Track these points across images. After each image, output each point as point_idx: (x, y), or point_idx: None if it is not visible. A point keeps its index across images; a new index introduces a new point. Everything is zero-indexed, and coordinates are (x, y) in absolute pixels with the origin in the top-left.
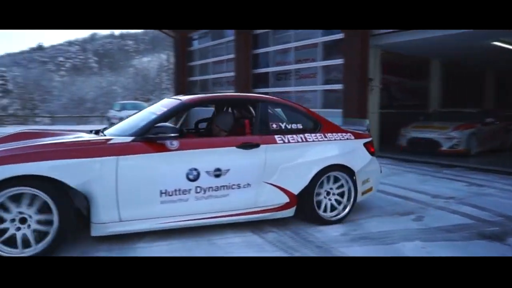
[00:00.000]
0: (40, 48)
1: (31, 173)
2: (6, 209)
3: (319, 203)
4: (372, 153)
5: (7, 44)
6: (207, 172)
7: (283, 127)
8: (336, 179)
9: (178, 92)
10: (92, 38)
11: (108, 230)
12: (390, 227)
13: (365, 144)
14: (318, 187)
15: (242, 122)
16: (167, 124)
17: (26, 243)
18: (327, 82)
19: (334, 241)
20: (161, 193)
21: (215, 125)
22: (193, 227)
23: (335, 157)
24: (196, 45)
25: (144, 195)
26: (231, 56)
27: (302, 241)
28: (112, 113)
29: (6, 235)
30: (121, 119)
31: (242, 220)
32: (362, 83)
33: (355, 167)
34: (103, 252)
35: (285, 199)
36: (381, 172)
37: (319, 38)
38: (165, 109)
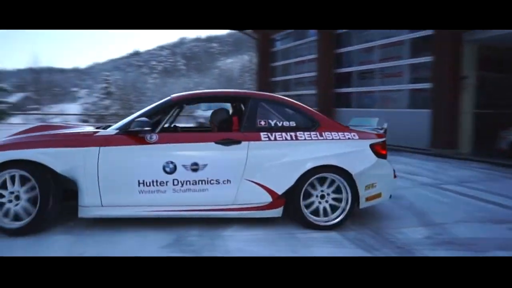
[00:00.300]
0: (136, 53)
1: (20, 158)
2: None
3: (310, 205)
4: (381, 155)
5: (110, 51)
6: (184, 166)
7: (272, 125)
8: (332, 182)
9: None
10: (181, 42)
11: (91, 213)
12: (480, 234)
13: (372, 145)
14: (308, 188)
15: (231, 119)
16: (144, 119)
17: (16, 217)
18: (413, 81)
19: (417, 243)
20: (139, 183)
21: (210, 121)
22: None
23: (327, 157)
24: (278, 46)
25: (123, 184)
26: (313, 56)
27: (382, 240)
28: (198, 112)
29: (4, 209)
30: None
31: (220, 216)
32: (454, 81)
33: (353, 169)
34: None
35: (268, 198)
36: (395, 177)
37: (406, 35)
38: (150, 106)
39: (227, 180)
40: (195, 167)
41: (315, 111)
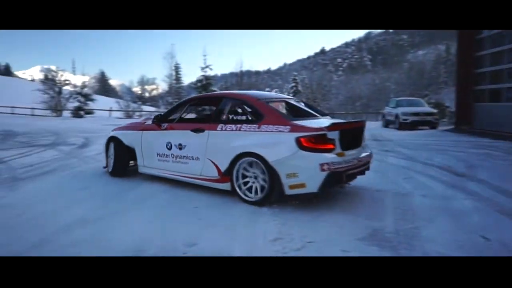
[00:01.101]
0: (322, 52)
1: (112, 135)
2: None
3: (246, 184)
4: (305, 148)
5: (298, 51)
6: (175, 145)
7: (230, 118)
8: (259, 166)
9: (460, 86)
10: (367, 37)
11: (141, 170)
12: None
13: (298, 138)
14: (242, 170)
15: (209, 114)
16: (160, 114)
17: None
18: None
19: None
20: (157, 154)
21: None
22: None
23: (251, 146)
24: (485, 32)
25: (151, 154)
26: None
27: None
28: (387, 110)
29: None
30: (396, 116)
31: (195, 183)
32: None
33: (269, 157)
34: None
35: (216, 174)
36: (323, 170)
37: None
38: (172, 106)
39: (197, 157)
40: (180, 147)
41: (267, 108)
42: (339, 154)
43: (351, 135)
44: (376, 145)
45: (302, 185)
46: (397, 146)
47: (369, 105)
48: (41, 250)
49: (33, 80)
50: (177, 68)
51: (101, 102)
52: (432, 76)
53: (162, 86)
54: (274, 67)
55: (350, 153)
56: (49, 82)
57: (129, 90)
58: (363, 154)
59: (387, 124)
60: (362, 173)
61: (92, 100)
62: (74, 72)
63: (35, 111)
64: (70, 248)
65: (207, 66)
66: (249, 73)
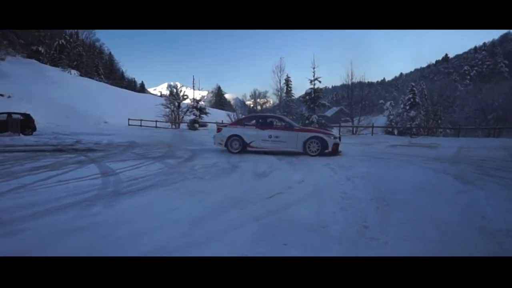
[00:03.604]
0: (445, 59)
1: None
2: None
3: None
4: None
5: (416, 60)
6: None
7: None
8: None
9: None
10: (503, 39)
11: (248, 148)
12: None
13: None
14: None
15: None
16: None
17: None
18: None
19: None
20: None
21: None
22: None
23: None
24: None
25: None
26: None
27: None
28: None
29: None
30: None
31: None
32: None
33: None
34: None
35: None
36: None
37: None
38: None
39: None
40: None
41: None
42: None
43: None
44: None
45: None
46: None
47: (506, 118)
48: None
49: (161, 96)
50: (287, 82)
51: (216, 115)
52: None
53: (272, 99)
54: (389, 77)
55: None
56: (171, 97)
57: (242, 103)
58: None
59: None
60: None
61: (206, 113)
62: (194, 87)
63: (158, 124)
64: None
65: (316, 79)
66: (361, 85)
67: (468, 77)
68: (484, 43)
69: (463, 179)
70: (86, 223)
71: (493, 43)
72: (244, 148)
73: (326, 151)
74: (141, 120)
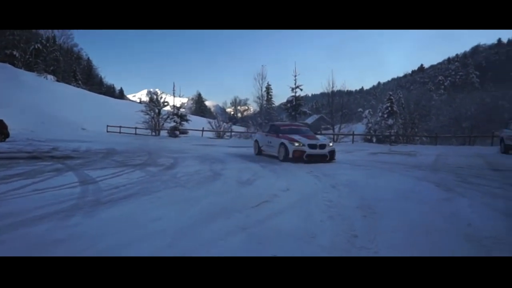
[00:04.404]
0: (420, 69)
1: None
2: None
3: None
4: None
5: (394, 69)
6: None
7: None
8: None
9: None
10: (474, 51)
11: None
12: None
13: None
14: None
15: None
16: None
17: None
18: None
19: None
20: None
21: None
22: None
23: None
24: None
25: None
26: None
27: None
28: (507, 133)
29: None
30: None
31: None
32: None
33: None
34: None
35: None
36: None
37: None
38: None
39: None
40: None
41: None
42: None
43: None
44: (497, 176)
45: None
46: None
47: (478, 126)
48: None
49: (140, 102)
50: (268, 89)
51: (197, 122)
52: None
53: (253, 107)
54: (367, 86)
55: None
56: (151, 103)
57: (223, 110)
58: None
59: (506, 149)
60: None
61: (187, 120)
62: (174, 94)
63: (138, 130)
64: None
65: (297, 87)
66: (340, 93)
67: (443, 87)
68: (457, 55)
69: (445, 186)
70: (64, 235)
71: (465, 55)
72: (260, 151)
73: (289, 156)
74: (120, 126)
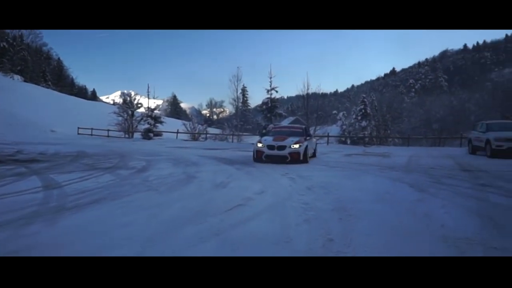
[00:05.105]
0: (392, 73)
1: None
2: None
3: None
4: None
5: (367, 72)
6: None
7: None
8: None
9: None
10: (442, 56)
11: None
12: None
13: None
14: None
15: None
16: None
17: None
18: None
19: None
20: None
21: None
22: None
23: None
24: None
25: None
26: None
27: None
28: (474, 134)
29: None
30: (487, 141)
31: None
32: None
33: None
34: None
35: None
36: None
37: None
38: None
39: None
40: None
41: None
42: None
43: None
44: (467, 176)
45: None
46: (496, 180)
47: (447, 128)
48: None
49: (114, 104)
50: (244, 91)
51: (172, 124)
52: None
53: (229, 109)
54: (341, 89)
55: None
56: (124, 105)
57: (198, 112)
58: None
59: (474, 150)
60: None
61: (161, 122)
62: (148, 96)
63: (110, 132)
64: None
65: (272, 89)
66: (315, 96)
67: (413, 89)
68: (427, 59)
69: (418, 187)
70: (20, 246)
71: (434, 59)
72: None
73: (254, 157)
74: (92, 129)
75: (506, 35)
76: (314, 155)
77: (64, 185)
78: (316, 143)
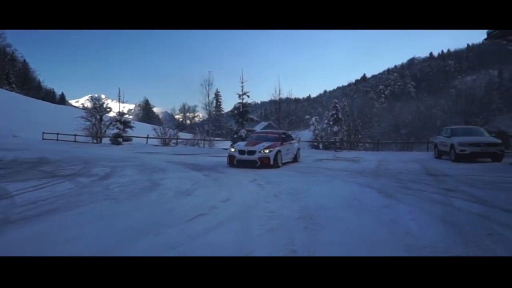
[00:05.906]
0: (363, 79)
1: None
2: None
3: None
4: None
5: (339, 78)
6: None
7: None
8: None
9: None
10: (410, 63)
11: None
12: None
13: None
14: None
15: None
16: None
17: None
18: None
19: None
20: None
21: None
22: None
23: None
24: None
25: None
26: None
27: None
28: (439, 139)
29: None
30: (451, 146)
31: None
32: None
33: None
34: None
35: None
36: None
37: None
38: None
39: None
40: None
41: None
42: None
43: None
44: (433, 181)
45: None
46: (459, 184)
47: (415, 133)
48: None
49: (83, 108)
50: (217, 96)
51: (142, 129)
52: (483, 103)
53: (202, 114)
54: (314, 94)
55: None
56: (92, 110)
57: (171, 117)
58: None
59: (439, 155)
60: None
61: (131, 127)
62: (119, 100)
63: (78, 138)
64: None
65: (244, 93)
66: (288, 101)
67: (383, 95)
68: (395, 66)
69: (386, 193)
70: None
71: (402, 66)
72: None
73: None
74: (57, 133)
75: (468, 44)
76: (295, 159)
77: (14, 195)
78: (299, 148)
